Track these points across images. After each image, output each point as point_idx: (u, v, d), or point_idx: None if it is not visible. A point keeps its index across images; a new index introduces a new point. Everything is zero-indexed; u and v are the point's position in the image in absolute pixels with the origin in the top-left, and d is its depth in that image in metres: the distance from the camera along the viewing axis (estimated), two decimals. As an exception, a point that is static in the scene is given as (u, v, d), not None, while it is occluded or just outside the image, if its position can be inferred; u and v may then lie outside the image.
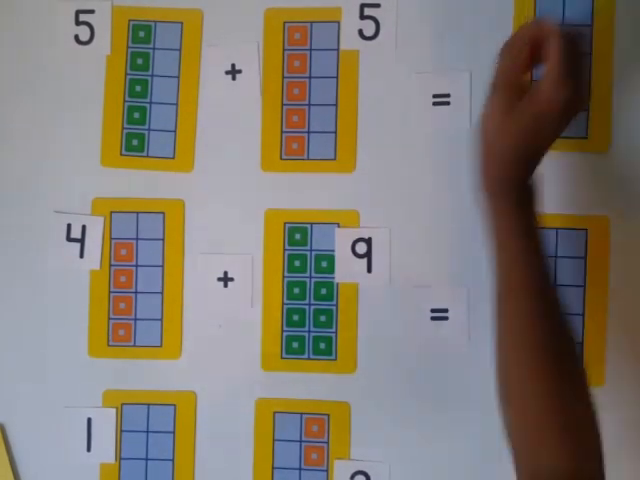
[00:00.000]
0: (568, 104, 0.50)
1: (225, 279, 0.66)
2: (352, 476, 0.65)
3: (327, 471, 0.66)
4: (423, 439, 0.65)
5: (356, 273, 0.66)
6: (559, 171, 0.64)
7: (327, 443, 0.66)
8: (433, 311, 0.65)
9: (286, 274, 0.66)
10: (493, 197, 0.53)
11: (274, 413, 0.66)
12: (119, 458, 0.67)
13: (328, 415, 0.66)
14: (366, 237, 0.65)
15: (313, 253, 0.66)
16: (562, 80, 0.50)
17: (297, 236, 0.66)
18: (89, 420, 0.67)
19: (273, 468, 0.66)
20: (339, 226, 0.66)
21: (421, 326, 0.65)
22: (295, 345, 0.66)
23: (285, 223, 0.66)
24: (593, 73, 0.64)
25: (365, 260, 0.65)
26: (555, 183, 0.64)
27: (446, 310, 0.65)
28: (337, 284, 0.66)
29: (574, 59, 0.51)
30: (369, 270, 0.65)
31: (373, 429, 0.65)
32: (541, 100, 0.51)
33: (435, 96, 0.65)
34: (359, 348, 0.66)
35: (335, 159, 0.66)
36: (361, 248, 0.65)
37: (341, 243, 0.66)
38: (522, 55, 0.53)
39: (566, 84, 0.50)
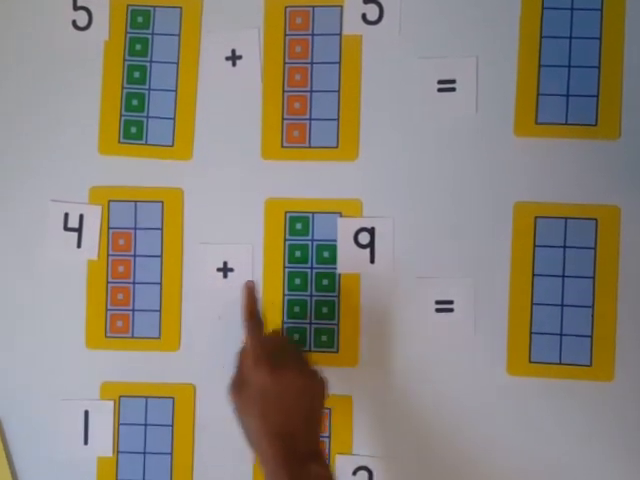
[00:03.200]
0: (266, 380, 0.54)
1: (225, 269, 0.65)
2: (354, 472, 0.64)
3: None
4: (427, 434, 0.64)
5: (359, 264, 0.64)
6: (568, 159, 0.63)
7: (329, 438, 0.65)
8: (438, 302, 0.64)
9: (287, 265, 0.65)
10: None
11: None
12: (116, 451, 0.66)
13: (330, 409, 0.65)
14: (369, 227, 0.64)
15: (314, 243, 0.65)
16: (253, 360, 0.55)
17: (298, 226, 0.65)
18: (86, 413, 0.66)
19: None
20: (341, 215, 0.65)
21: (426, 318, 0.64)
22: (296, 337, 0.65)
23: (286, 212, 0.65)
24: (603, 60, 0.63)
25: (368, 250, 0.64)
26: (563, 171, 0.63)
27: (451, 302, 0.64)
28: (339, 275, 0.65)
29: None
30: (372, 261, 0.64)
31: (376, 424, 0.64)
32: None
33: (440, 82, 0.64)
34: (362, 340, 0.65)
35: (337, 147, 0.65)
36: (364, 238, 0.64)
37: (343, 233, 0.64)
38: None
39: (255, 363, 0.55)
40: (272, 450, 0.53)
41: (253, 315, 0.59)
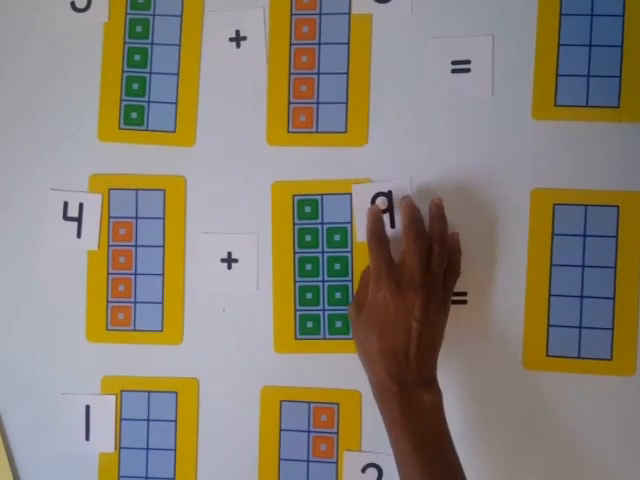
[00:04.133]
0: (389, 298, 0.56)
1: (229, 260, 0.64)
2: (363, 469, 0.63)
3: (337, 463, 0.63)
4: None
5: None
6: (588, 143, 0.62)
7: (337, 434, 0.64)
8: (454, 63, 0.62)
9: (297, 250, 0.64)
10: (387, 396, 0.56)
11: (281, 402, 0.64)
12: (118, 447, 0.65)
13: (338, 404, 0.63)
14: (385, 191, 0.63)
15: (325, 226, 0.63)
16: (374, 279, 0.58)
17: (307, 209, 0.63)
18: (87, 407, 0.65)
19: (279, 459, 0.64)
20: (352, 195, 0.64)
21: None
22: (309, 325, 0.64)
23: (294, 196, 0.64)
24: (626, 38, 0.61)
25: (387, 215, 0.63)
26: (584, 156, 0.62)
27: (464, 293, 0.62)
28: (352, 256, 0.63)
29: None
30: (392, 225, 0.63)
31: None
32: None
33: (454, 62, 0.62)
34: None
35: (346, 132, 0.63)
36: (381, 203, 0.63)
37: (359, 201, 0.63)
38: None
39: (376, 282, 0.57)
40: (384, 370, 0.54)
41: (376, 234, 0.59)
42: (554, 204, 0.62)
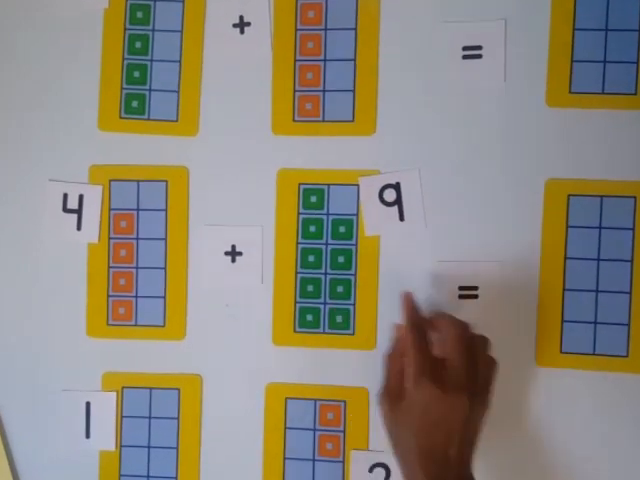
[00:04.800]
0: (432, 399, 0.53)
1: (233, 253, 0.63)
2: (371, 468, 0.62)
3: (343, 462, 0.63)
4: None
5: (387, 223, 0.62)
6: (604, 131, 0.61)
7: (343, 432, 0.63)
8: (462, 288, 0.61)
9: (300, 240, 0.63)
10: None
11: (286, 399, 0.63)
12: (119, 445, 0.65)
13: (345, 401, 0.63)
14: (394, 182, 0.61)
15: (330, 217, 0.63)
16: (415, 378, 0.54)
17: (313, 198, 0.62)
18: (88, 404, 0.64)
19: (284, 458, 0.63)
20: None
21: (448, 305, 0.60)
22: (309, 318, 0.63)
23: (299, 184, 0.63)
24: None
25: (396, 208, 0.62)
26: (600, 145, 0.60)
27: (476, 288, 0.61)
28: (356, 249, 0.62)
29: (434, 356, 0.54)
30: (401, 218, 0.62)
31: None
32: (407, 397, 0.55)
33: (465, 48, 0.61)
34: (379, 322, 0.63)
35: (353, 120, 0.62)
36: (390, 195, 0.62)
37: (366, 193, 0.62)
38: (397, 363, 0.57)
39: (418, 382, 0.53)
40: (422, 472, 0.52)
41: (416, 325, 0.56)
42: (569, 195, 0.61)
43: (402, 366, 0.55)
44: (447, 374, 0.53)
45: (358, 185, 0.62)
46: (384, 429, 0.55)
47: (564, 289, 0.61)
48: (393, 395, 0.55)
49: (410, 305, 0.57)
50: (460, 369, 0.53)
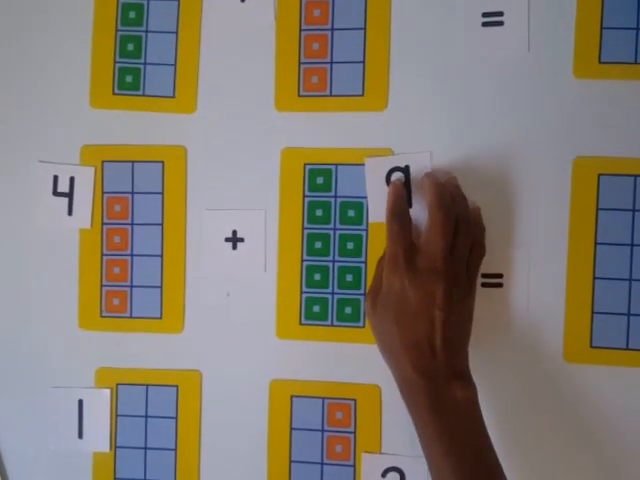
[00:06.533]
0: (404, 285, 0.53)
1: (234, 239, 0.62)
2: (384, 473, 0.60)
3: (354, 466, 0.61)
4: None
5: None
6: (638, 105, 0.58)
7: (354, 433, 0.61)
8: (485, 276, 0.59)
9: (306, 225, 0.61)
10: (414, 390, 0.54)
11: (292, 397, 0.62)
12: (114, 446, 0.63)
13: (355, 400, 0.61)
14: (402, 165, 0.59)
15: (338, 200, 0.61)
16: (388, 267, 0.55)
17: (319, 180, 0.61)
18: (80, 402, 0.63)
19: (290, 462, 0.62)
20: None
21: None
22: (316, 309, 0.61)
23: (305, 165, 0.61)
24: None
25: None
26: (633, 120, 0.58)
27: (500, 275, 0.59)
28: (367, 233, 0.60)
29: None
30: (410, 204, 0.60)
31: (408, 417, 0.57)
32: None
33: (485, 15, 0.59)
34: None
35: (363, 95, 0.61)
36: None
37: (373, 176, 0.60)
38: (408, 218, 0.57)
39: (390, 270, 0.54)
40: (409, 363, 0.52)
41: (397, 213, 0.57)
42: (599, 174, 0.58)
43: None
44: (420, 256, 0.53)
45: (365, 172, 0.61)
46: (371, 329, 0.57)
47: (594, 277, 0.59)
48: (375, 294, 0.56)
49: (396, 193, 0.57)
50: (437, 254, 0.53)
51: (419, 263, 0.54)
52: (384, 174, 0.60)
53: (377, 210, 0.60)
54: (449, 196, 0.55)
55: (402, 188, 0.58)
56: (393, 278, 0.54)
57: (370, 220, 0.61)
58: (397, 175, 0.59)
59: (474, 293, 0.56)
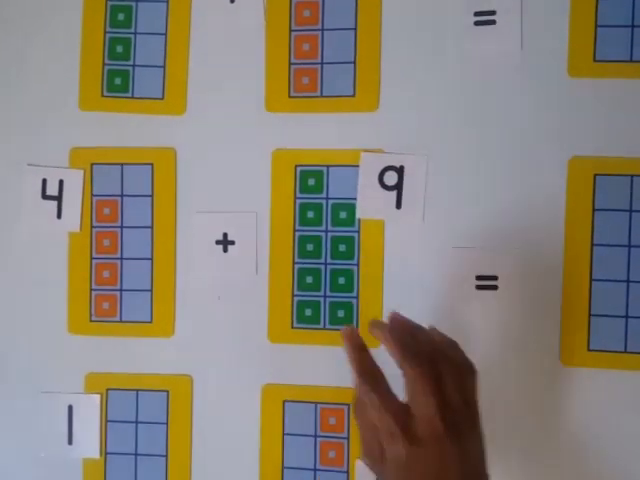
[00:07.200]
0: (411, 457, 0.46)
1: (225, 242, 0.62)
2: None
3: (347, 472, 0.61)
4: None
5: (382, 209, 0.60)
6: (633, 104, 0.57)
7: (347, 439, 0.61)
8: (479, 278, 0.59)
9: (297, 227, 0.61)
10: None
11: (284, 402, 0.61)
12: (104, 452, 0.63)
13: (348, 405, 0.61)
14: (397, 166, 0.59)
15: (330, 202, 0.61)
16: (386, 439, 0.47)
17: (310, 181, 0.61)
18: (70, 408, 0.63)
19: (283, 468, 0.62)
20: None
21: (464, 296, 0.58)
22: (308, 312, 0.61)
23: (296, 166, 0.61)
24: None
25: (395, 193, 0.60)
26: (629, 119, 0.58)
27: (495, 277, 0.59)
28: (359, 235, 0.60)
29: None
30: (398, 206, 0.60)
31: None
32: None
33: (478, 14, 0.59)
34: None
35: (354, 95, 0.61)
36: (390, 179, 0.60)
37: (367, 173, 0.60)
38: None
39: (390, 442, 0.46)
40: None
41: (367, 372, 0.49)
42: (595, 174, 0.58)
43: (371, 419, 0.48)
44: (416, 422, 0.46)
45: (360, 166, 0.60)
46: None
47: (591, 279, 0.58)
48: (376, 456, 0.49)
49: (353, 346, 0.50)
50: (430, 414, 0.46)
51: (418, 431, 0.46)
52: (377, 172, 0.60)
53: (363, 207, 0.59)
54: (409, 337, 0.49)
55: (357, 334, 0.51)
56: (395, 450, 0.47)
57: (357, 216, 0.60)
58: (345, 327, 0.52)
59: (480, 422, 0.49)
